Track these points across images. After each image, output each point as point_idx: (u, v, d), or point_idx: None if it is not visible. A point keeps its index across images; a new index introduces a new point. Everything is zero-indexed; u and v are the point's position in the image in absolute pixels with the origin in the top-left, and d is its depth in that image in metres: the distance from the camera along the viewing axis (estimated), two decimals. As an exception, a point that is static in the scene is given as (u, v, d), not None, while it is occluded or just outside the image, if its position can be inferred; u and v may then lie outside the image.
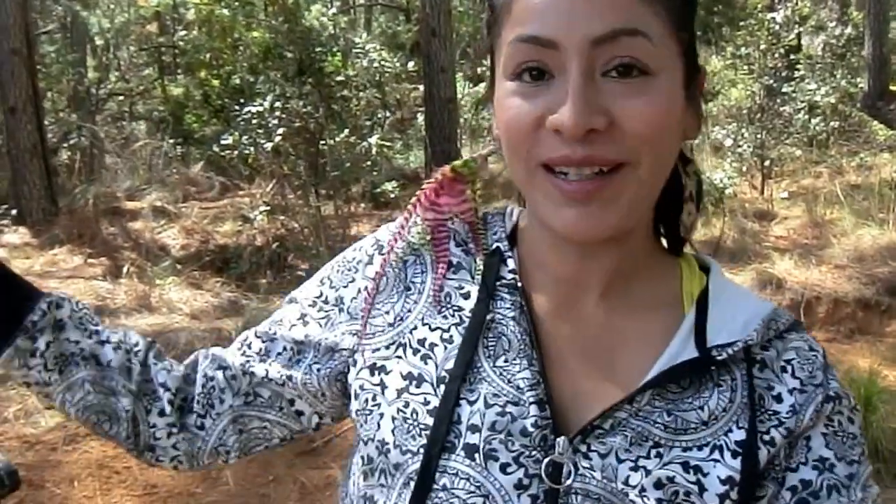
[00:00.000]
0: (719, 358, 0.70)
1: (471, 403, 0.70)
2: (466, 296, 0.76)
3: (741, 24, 9.42)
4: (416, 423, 0.72)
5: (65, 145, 8.58)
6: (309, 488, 3.27)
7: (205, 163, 8.68)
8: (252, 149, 6.59)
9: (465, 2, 15.04)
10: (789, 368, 0.73)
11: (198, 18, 9.13)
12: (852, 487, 0.71)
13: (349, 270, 0.81)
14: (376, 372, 0.76)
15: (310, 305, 0.83)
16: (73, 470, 3.53)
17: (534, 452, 0.69)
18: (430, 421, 0.71)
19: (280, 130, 6.39)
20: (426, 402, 0.72)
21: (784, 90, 9.13)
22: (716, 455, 0.69)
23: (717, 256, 6.28)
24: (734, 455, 0.69)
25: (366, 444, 0.75)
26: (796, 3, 9.51)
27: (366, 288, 0.79)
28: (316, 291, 0.84)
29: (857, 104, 9.66)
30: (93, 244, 6.61)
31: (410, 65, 10.48)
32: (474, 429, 0.69)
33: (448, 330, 0.74)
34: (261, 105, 6.47)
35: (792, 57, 9.59)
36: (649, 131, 0.65)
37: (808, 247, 6.47)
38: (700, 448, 0.69)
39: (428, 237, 0.79)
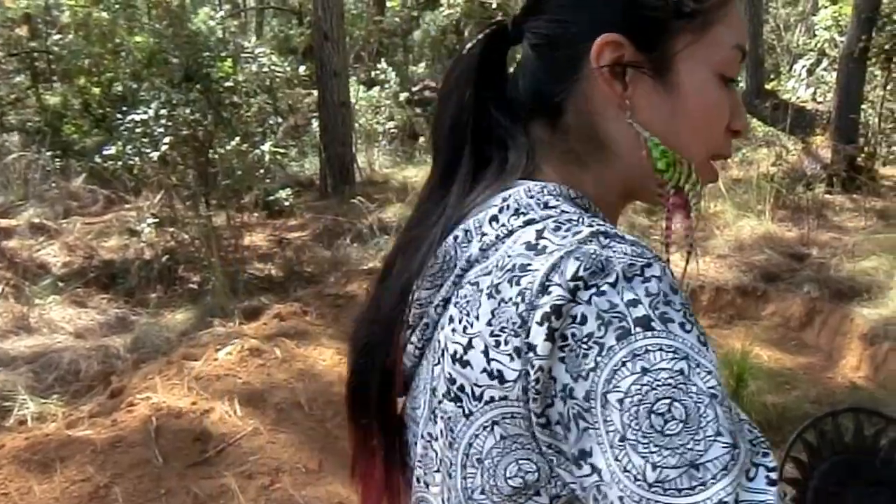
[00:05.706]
0: None
1: None
2: None
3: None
4: None
5: (-77, 160, 7.93)
6: (202, 498, 3.15)
7: (87, 175, 8.26)
8: (137, 159, 6.36)
9: (358, 5, 14.99)
10: None
11: (73, 22, 8.74)
12: None
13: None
14: None
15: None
16: (-60, 505, 3.30)
17: None
18: None
19: (166, 139, 6.18)
20: None
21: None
22: None
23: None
24: None
25: None
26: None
27: None
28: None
29: (736, 102, 10.20)
30: (-39, 265, 6.19)
31: (302, 69, 10.34)
32: None
33: None
34: (145, 113, 6.25)
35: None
36: None
37: (694, 239, 6.75)
38: None
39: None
